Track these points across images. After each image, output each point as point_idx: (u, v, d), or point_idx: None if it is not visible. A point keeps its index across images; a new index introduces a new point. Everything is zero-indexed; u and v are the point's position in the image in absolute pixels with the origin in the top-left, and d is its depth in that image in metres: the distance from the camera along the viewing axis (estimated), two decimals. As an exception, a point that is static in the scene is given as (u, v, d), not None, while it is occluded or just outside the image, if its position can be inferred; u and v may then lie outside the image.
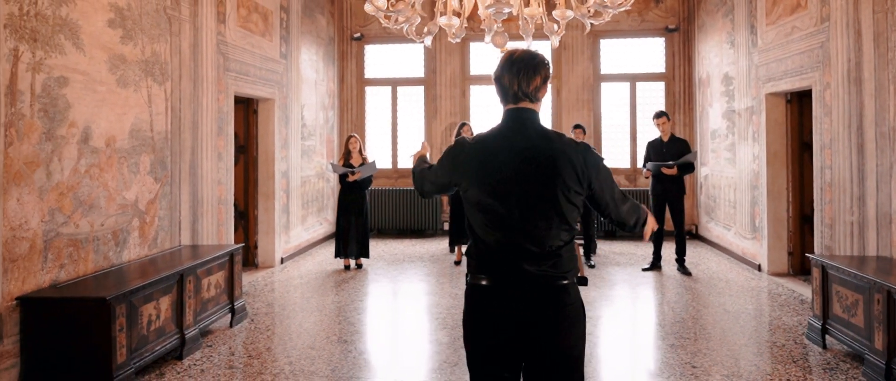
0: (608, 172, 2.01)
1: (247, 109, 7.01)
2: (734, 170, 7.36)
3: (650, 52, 9.14)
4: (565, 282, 1.94)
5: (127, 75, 4.43)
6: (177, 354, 4.21)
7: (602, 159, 2.02)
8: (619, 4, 3.68)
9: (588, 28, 4.05)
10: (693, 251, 7.95)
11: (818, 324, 4.36)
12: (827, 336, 4.30)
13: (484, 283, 1.95)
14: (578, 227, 7.98)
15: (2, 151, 3.38)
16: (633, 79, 9.13)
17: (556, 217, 1.91)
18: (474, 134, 6.90)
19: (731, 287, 6.04)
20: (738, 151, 7.20)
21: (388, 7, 3.88)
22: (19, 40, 3.48)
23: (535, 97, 2.00)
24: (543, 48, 9.29)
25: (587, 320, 4.88)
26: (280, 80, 7.20)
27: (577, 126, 7.10)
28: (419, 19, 4.15)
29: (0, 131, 3.36)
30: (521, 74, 1.97)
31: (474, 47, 9.38)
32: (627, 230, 2.15)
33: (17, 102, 3.47)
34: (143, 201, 4.67)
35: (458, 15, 4.05)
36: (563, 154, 1.91)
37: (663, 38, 9.03)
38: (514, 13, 4.02)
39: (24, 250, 3.56)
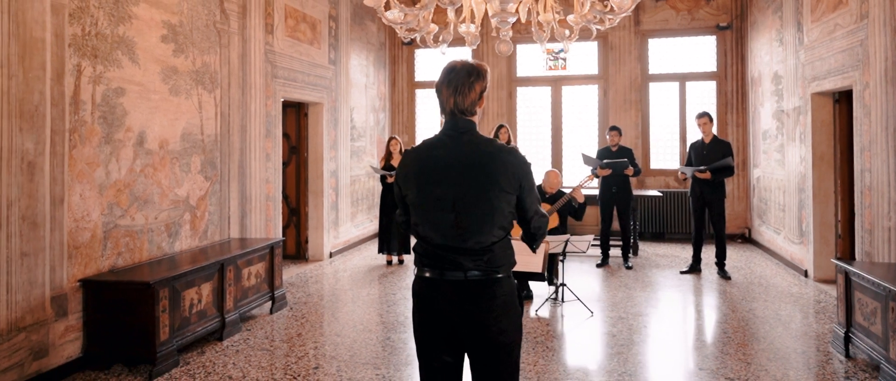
0: (532, 175, 2.17)
1: (298, 112, 7.52)
2: (783, 172, 7.09)
3: (701, 51, 8.92)
4: (499, 276, 2.13)
5: (179, 85, 4.97)
6: (217, 335, 4.69)
7: (530, 165, 2.18)
8: (626, 8, 3.75)
9: (594, 33, 4.14)
10: (743, 256, 7.72)
11: (841, 332, 4.23)
12: (850, 345, 4.17)
13: (427, 275, 2.16)
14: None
15: (67, 153, 3.94)
16: (683, 78, 8.93)
17: (489, 217, 2.09)
18: (510, 136, 7.07)
19: (768, 293, 5.87)
20: (787, 153, 6.94)
21: (405, 18, 4.14)
22: (82, 57, 4.04)
23: (472, 111, 2.18)
24: (586, 48, 9.29)
25: (612, 320, 4.91)
26: (328, 84, 7.66)
27: (612, 128, 7.09)
28: (436, 29, 4.39)
29: (65, 136, 3.91)
30: (457, 93, 2.12)
31: (521, 50, 9.50)
32: (531, 240, 2.25)
33: (79, 111, 4.03)
34: (194, 198, 5.20)
35: (472, 22, 4.24)
36: (496, 159, 2.09)
37: (714, 37, 8.78)
38: (523, 20, 4.17)
39: (86, 239, 4.12)
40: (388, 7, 4.20)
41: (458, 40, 5.08)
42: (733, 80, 8.67)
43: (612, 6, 3.84)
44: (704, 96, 8.89)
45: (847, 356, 4.16)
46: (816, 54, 6.00)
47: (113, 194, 4.33)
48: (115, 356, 4.12)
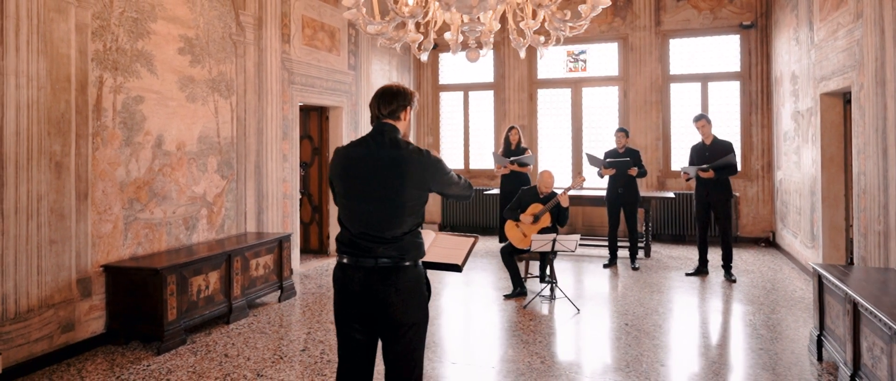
0: (443, 169, 2.45)
1: (320, 115, 8.00)
2: (799, 174, 6.94)
3: (724, 51, 8.76)
4: (406, 263, 2.41)
5: (195, 92, 5.49)
6: (225, 319, 5.17)
7: (439, 161, 2.44)
8: (586, 15, 3.89)
9: (562, 40, 4.30)
10: (762, 260, 7.58)
11: (816, 335, 4.22)
12: (823, 349, 4.16)
13: (345, 261, 2.46)
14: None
15: (90, 154, 4.50)
16: (705, 79, 8.80)
17: (400, 211, 2.38)
18: (520, 137, 7.27)
19: (768, 297, 5.81)
20: (802, 155, 6.80)
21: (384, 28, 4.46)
22: (103, 70, 4.59)
23: (395, 116, 2.49)
24: (606, 50, 9.31)
25: (597, 317, 5.03)
26: (348, 89, 8.09)
27: (619, 130, 7.15)
28: (420, 38, 4.68)
29: (88, 139, 4.48)
30: (381, 103, 2.49)
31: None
32: (464, 199, 2.65)
33: (101, 117, 4.59)
34: (211, 195, 5.72)
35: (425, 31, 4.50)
36: (406, 160, 2.38)
37: (738, 36, 8.61)
38: (495, 28, 4.39)
39: (108, 230, 4.68)
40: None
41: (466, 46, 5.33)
42: (758, 80, 8.48)
43: (575, 13, 4.01)
44: (728, 97, 8.73)
45: (819, 359, 4.15)
46: (823, 54, 5.88)
47: (133, 190, 4.88)
48: (132, 333, 4.66)
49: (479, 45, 4.57)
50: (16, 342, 4.00)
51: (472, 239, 3.07)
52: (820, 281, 4.16)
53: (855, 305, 3.48)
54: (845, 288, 3.59)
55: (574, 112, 9.49)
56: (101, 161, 4.60)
